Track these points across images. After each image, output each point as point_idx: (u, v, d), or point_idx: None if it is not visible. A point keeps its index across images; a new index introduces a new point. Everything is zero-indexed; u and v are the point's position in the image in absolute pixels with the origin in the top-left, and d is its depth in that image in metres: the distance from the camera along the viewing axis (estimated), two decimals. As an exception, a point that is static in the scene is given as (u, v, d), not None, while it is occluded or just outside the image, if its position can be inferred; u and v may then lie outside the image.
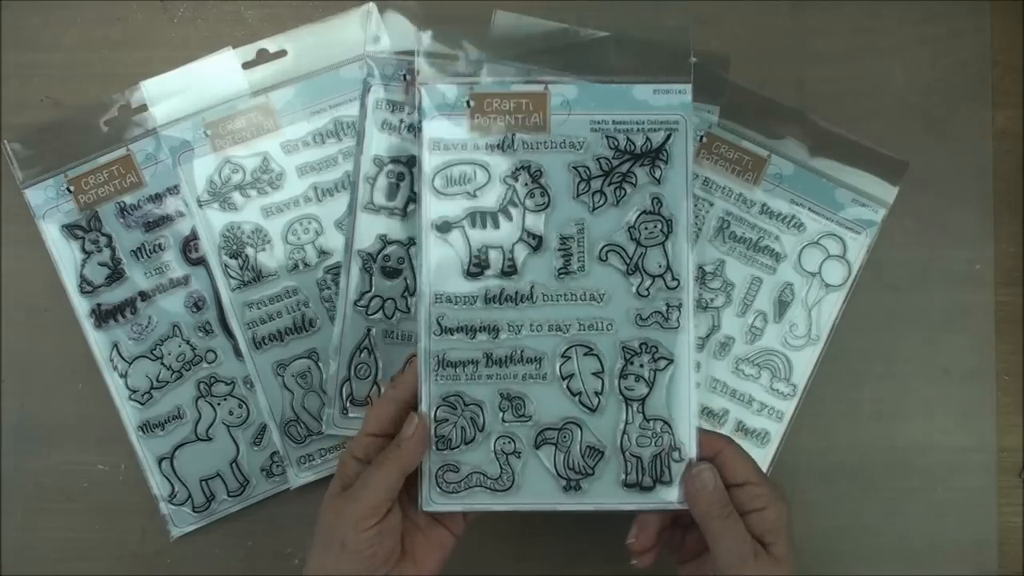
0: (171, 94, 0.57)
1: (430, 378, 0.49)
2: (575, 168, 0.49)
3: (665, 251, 0.49)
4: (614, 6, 0.59)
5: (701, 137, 0.56)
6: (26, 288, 0.58)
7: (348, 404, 0.56)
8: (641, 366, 0.49)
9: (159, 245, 0.57)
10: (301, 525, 0.58)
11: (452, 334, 0.49)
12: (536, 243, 0.49)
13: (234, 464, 0.57)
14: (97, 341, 0.57)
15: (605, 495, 0.49)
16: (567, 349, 0.49)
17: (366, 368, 0.56)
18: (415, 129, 0.56)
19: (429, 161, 0.49)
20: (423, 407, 0.48)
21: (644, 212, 0.49)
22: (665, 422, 0.49)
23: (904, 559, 0.57)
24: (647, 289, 0.49)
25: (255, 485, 0.58)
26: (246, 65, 0.57)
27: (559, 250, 0.49)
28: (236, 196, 0.57)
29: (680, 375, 0.49)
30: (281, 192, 0.57)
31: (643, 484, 0.49)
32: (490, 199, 0.49)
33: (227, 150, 0.57)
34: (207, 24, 0.60)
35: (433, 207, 0.49)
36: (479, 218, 0.49)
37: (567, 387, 0.49)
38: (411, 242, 0.56)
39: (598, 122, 0.50)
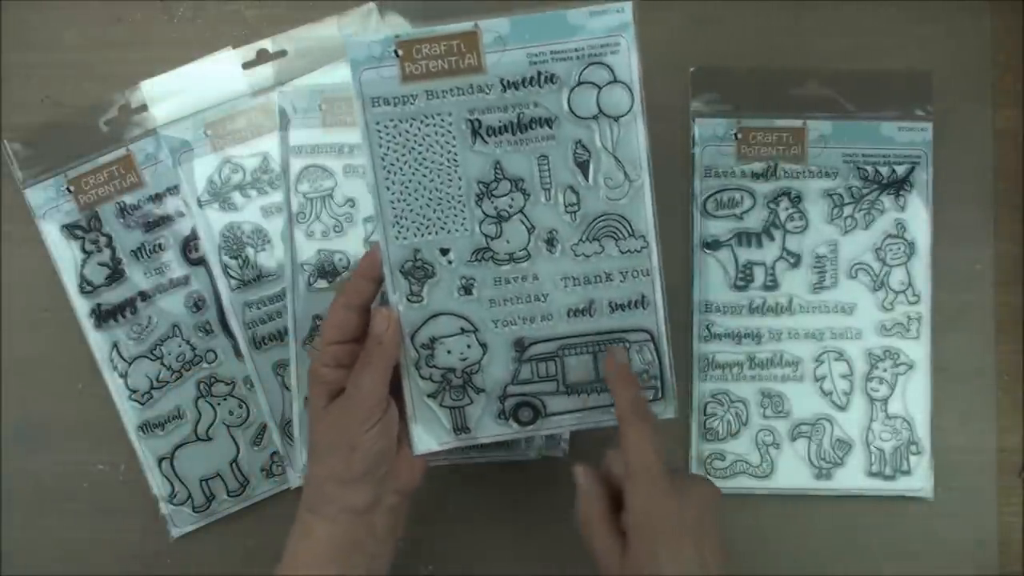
0: (171, 94, 0.57)
1: (699, 377, 0.56)
2: (830, 195, 0.56)
3: (907, 270, 0.56)
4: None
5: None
6: (26, 288, 0.58)
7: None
8: (884, 370, 0.55)
9: (159, 245, 0.57)
10: (301, 525, 0.57)
11: (720, 339, 0.56)
12: (795, 261, 0.56)
13: (234, 464, 0.57)
14: (97, 341, 0.57)
15: (852, 482, 0.56)
16: (821, 354, 0.56)
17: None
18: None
19: (700, 186, 0.56)
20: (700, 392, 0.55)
21: (889, 236, 0.56)
22: (904, 420, 0.56)
23: (904, 559, 0.57)
24: (891, 303, 0.56)
25: (255, 485, 0.57)
26: (246, 65, 0.57)
27: (814, 267, 0.56)
28: (236, 196, 0.57)
29: (918, 379, 0.56)
30: (281, 192, 0.57)
31: (885, 474, 0.56)
32: (754, 221, 0.56)
33: (227, 150, 0.57)
34: (207, 24, 0.59)
35: (704, 227, 0.56)
36: (744, 238, 0.56)
37: (820, 387, 0.56)
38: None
39: (850, 155, 0.56)
